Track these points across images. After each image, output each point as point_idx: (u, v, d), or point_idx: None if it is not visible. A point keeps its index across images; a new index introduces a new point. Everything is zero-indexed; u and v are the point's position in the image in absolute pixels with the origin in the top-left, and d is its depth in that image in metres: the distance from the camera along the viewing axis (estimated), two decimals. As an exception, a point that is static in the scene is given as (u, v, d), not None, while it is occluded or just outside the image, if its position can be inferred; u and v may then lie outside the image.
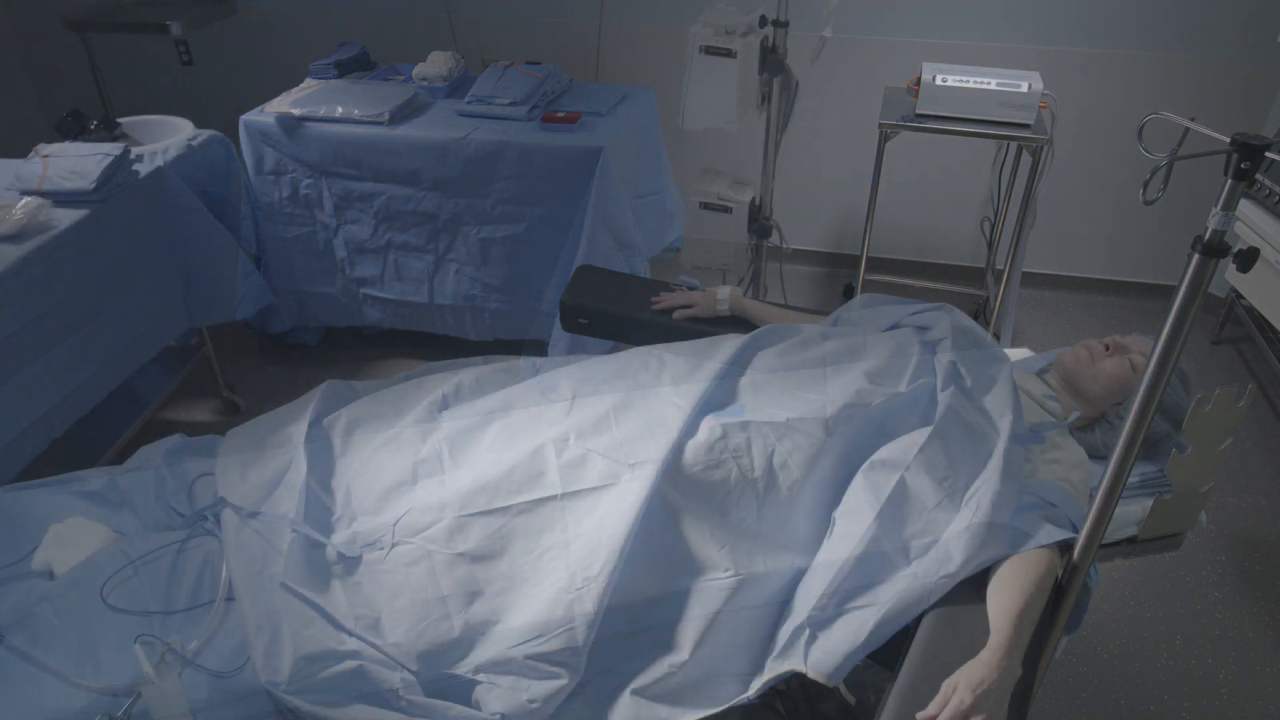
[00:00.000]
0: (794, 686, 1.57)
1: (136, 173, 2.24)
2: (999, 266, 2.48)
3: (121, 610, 1.37)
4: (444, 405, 1.71)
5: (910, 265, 3.58)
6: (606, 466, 1.45)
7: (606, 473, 1.44)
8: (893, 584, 1.29)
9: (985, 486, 1.34)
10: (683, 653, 1.32)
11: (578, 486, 1.44)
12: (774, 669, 1.28)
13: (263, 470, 1.61)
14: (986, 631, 1.20)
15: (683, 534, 1.39)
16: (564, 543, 1.39)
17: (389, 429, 1.69)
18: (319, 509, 1.55)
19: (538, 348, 2.84)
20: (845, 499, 1.39)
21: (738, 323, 1.93)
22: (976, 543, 1.27)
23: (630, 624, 1.36)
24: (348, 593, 1.42)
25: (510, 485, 1.44)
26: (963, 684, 1.12)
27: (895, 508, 1.35)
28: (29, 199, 2.02)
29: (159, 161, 2.36)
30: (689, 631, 1.34)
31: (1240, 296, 2.97)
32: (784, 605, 1.35)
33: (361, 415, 1.73)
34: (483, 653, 1.36)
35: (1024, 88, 2.53)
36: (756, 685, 1.28)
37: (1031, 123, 2.57)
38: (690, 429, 1.46)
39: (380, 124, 2.63)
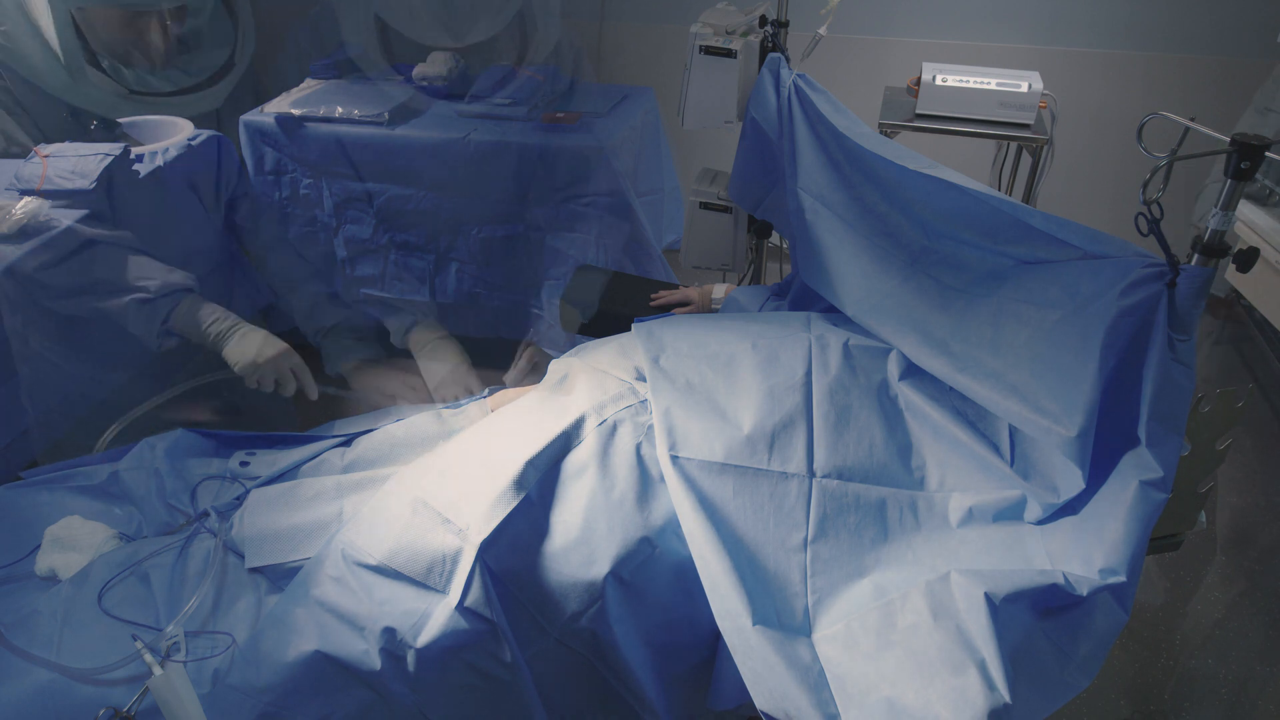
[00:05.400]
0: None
1: (136, 173, 2.23)
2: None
3: (124, 612, 1.38)
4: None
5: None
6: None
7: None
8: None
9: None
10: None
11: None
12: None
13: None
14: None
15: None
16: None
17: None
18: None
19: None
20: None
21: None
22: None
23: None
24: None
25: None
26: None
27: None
28: (29, 199, 2.02)
29: (159, 161, 2.35)
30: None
31: (1240, 296, 2.97)
32: None
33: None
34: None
35: (1024, 88, 2.54)
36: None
37: (1031, 123, 2.58)
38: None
39: (380, 124, 2.63)
